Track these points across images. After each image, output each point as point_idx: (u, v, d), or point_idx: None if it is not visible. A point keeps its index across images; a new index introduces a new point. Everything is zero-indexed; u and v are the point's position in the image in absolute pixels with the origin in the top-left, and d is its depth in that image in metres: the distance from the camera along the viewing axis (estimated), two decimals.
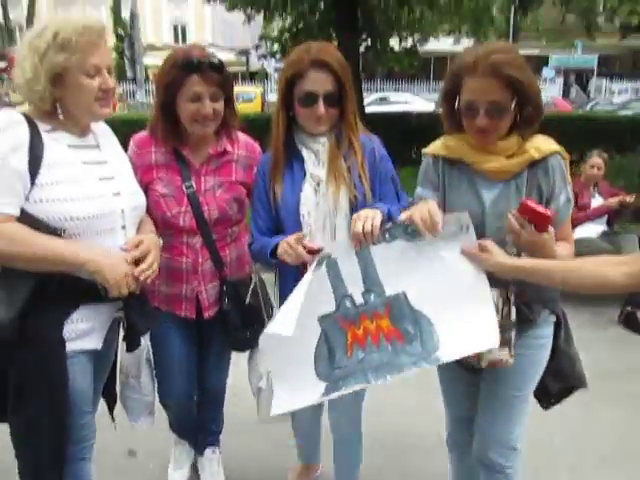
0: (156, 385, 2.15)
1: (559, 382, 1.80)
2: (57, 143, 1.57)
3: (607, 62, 29.01)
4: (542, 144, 1.66)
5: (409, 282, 1.62)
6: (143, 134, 2.02)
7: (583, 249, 4.13)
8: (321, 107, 1.77)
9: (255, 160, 2.04)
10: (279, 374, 1.74)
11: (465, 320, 1.56)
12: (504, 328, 1.59)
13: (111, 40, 25.96)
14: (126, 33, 19.98)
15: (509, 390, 1.74)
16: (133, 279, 1.57)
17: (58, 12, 31.86)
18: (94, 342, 1.67)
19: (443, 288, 1.59)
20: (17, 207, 1.49)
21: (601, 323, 4.17)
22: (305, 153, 1.85)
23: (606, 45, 26.04)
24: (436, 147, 1.77)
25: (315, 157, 1.85)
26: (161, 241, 1.88)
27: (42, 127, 1.56)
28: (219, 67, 1.88)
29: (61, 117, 1.58)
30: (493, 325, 1.54)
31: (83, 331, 1.62)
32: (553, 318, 1.76)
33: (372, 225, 1.60)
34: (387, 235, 1.62)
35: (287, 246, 1.68)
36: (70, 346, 1.59)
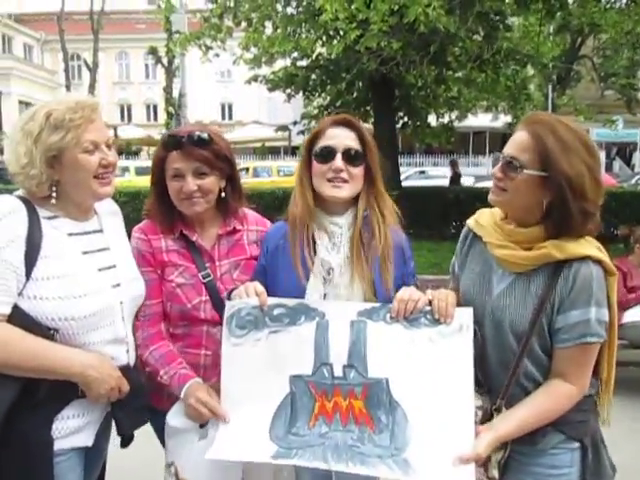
0: None
1: None
2: (57, 232, 1.50)
3: None
4: (570, 244, 1.42)
5: (395, 370, 1.51)
6: (147, 222, 1.86)
7: (636, 334, 3.87)
8: (339, 161, 1.59)
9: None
10: (230, 420, 1.56)
11: (442, 437, 1.43)
12: None
13: (162, 117, 27.53)
14: (175, 111, 21.09)
15: None
16: (118, 392, 1.53)
17: (116, 92, 34.29)
18: (85, 439, 1.55)
19: (427, 387, 1.49)
20: (9, 306, 1.42)
21: None
22: (317, 234, 1.67)
23: None
24: (471, 218, 1.69)
25: (329, 240, 1.67)
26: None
27: (42, 213, 1.49)
28: (205, 142, 1.73)
29: (53, 201, 1.50)
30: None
31: (74, 428, 1.52)
32: (573, 444, 1.50)
33: (417, 301, 1.52)
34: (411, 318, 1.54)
35: (244, 290, 1.58)
36: (59, 444, 1.48)
